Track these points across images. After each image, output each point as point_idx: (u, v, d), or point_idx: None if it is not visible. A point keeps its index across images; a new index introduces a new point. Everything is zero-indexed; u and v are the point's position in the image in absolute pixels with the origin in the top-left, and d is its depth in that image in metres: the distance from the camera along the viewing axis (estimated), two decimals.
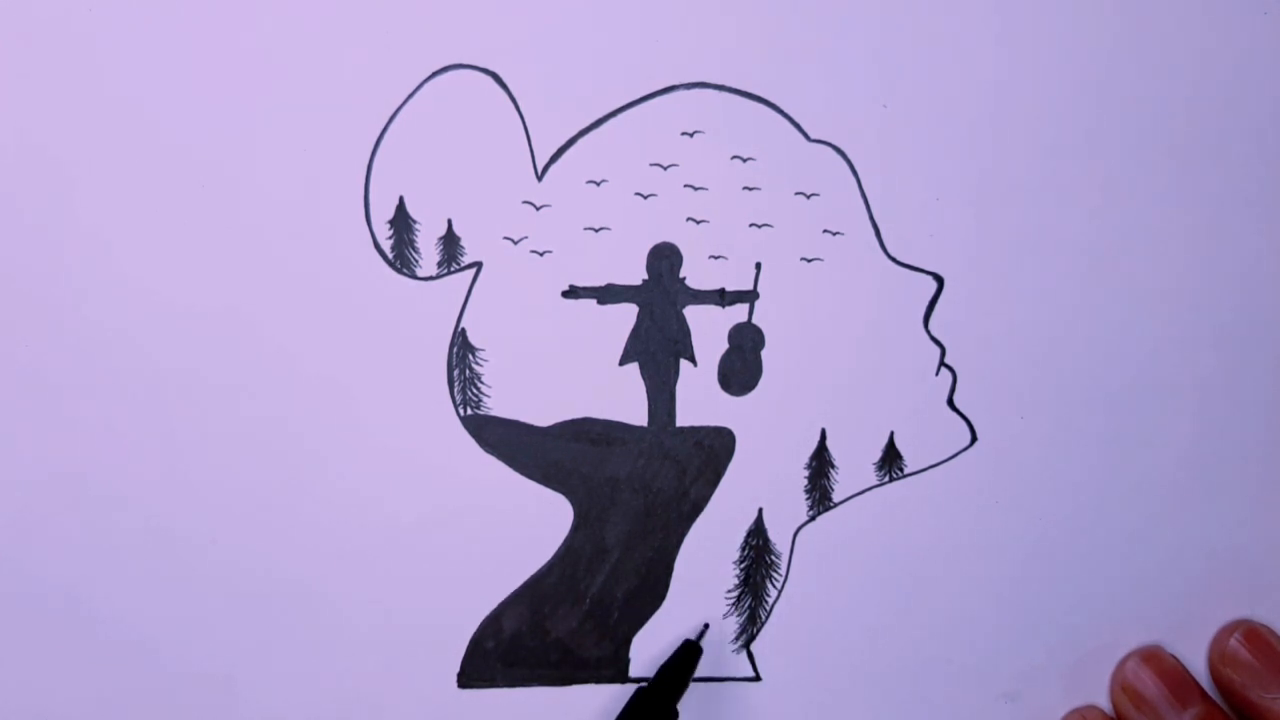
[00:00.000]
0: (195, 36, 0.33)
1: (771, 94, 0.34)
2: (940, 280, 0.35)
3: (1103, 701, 0.36)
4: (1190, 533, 0.36)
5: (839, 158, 0.35)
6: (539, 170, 0.34)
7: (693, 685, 0.35)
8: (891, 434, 0.35)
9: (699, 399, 0.35)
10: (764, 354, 0.35)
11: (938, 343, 0.35)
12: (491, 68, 0.34)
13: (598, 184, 0.34)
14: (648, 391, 0.35)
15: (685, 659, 0.34)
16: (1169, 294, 0.36)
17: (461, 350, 0.34)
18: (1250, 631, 0.35)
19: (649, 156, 0.34)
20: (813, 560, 0.36)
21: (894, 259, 0.35)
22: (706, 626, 0.35)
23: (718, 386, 0.35)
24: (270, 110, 0.33)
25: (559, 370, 0.35)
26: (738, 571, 0.36)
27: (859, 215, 0.35)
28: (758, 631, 0.36)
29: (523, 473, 0.35)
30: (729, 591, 0.36)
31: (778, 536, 0.36)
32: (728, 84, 0.34)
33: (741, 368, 0.35)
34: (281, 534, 0.34)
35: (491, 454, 0.35)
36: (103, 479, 0.34)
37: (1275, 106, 0.35)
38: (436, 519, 0.35)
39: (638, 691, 0.34)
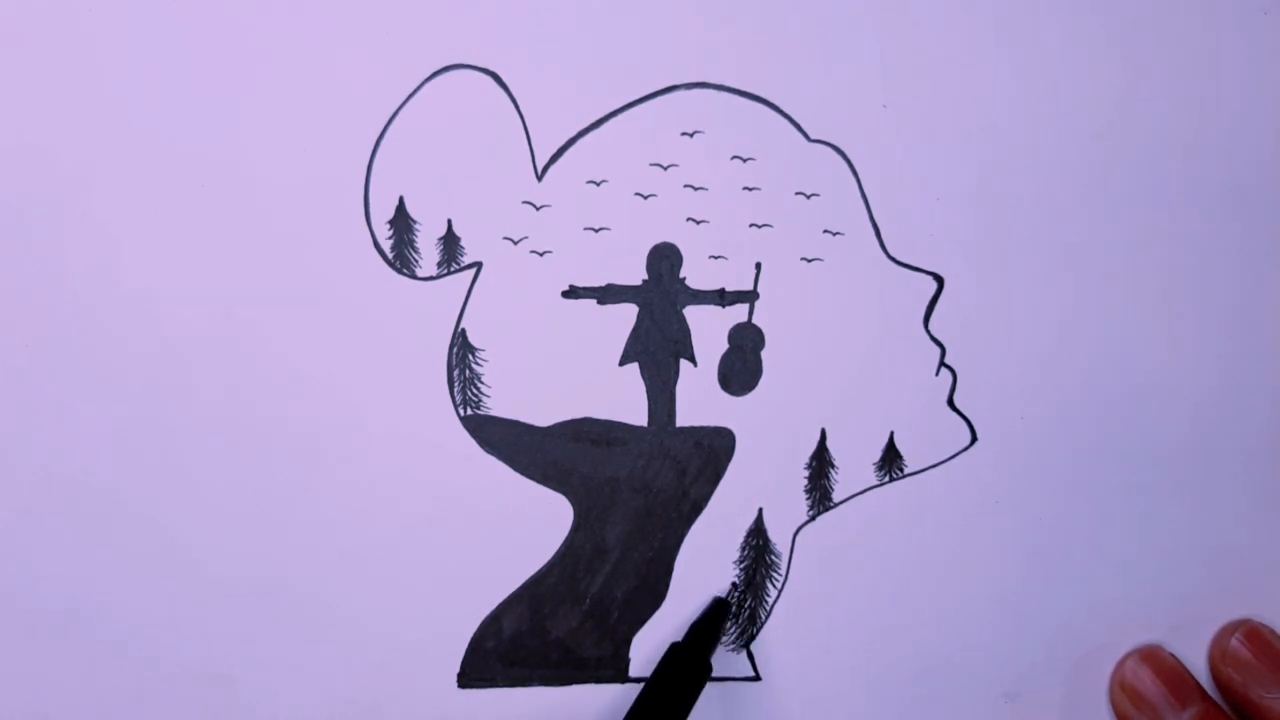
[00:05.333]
0: (195, 36, 0.33)
1: (771, 94, 0.34)
2: (940, 280, 0.35)
3: (1102, 702, 0.36)
4: (1190, 533, 0.36)
5: (839, 158, 0.35)
6: (539, 170, 0.34)
7: None
8: (891, 434, 0.35)
9: (699, 399, 0.35)
10: (764, 354, 0.35)
11: (938, 343, 0.35)
12: (491, 68, 0.34)
13: (598, 184, 0.34)
14: (648, 391, 0.35)
15: (716, 614, 0.35)
16: (1169, 294, 0.36)
17: (461, 350, 0.34)
18: (1251, 631, 0.35)
19: (649, 156, 0.34)
20: (813, 560, 0.36)
21: (894, 259, 0.35)
22: (735, 585, 0.35)
23: (718, 386, 0.35)
24: (270, 110, 0.33)
25: (559, 370, 0.35)
26: (738, 571, 0.36)
27: (859, 215, 0.35)
28: (758, 631, 0.36)
29: (523, 473, 0.35)
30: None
31: (778, 536, 0.36)
32: (728, 84, 0.34)
33: (741, 368, 0.35)
34: (282, 534, 0.34)
35: (491, 454, 0.35)
36: (103, 479, 0.34)
37: (1275, 106, 0.35)
38: (436, 519, 0.35)
39: (672, 647, 0.34)
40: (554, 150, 0.34)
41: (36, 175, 0.33)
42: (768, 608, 0.36)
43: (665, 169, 0.34)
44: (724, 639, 0.36)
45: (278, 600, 0.34)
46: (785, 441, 0.35)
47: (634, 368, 0.35)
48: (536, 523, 0.35)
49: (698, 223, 0.35)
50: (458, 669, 0.35)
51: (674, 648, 0.34)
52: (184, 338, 0.34)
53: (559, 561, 0.35)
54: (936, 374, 0.35)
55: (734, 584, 0.35)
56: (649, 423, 0.35)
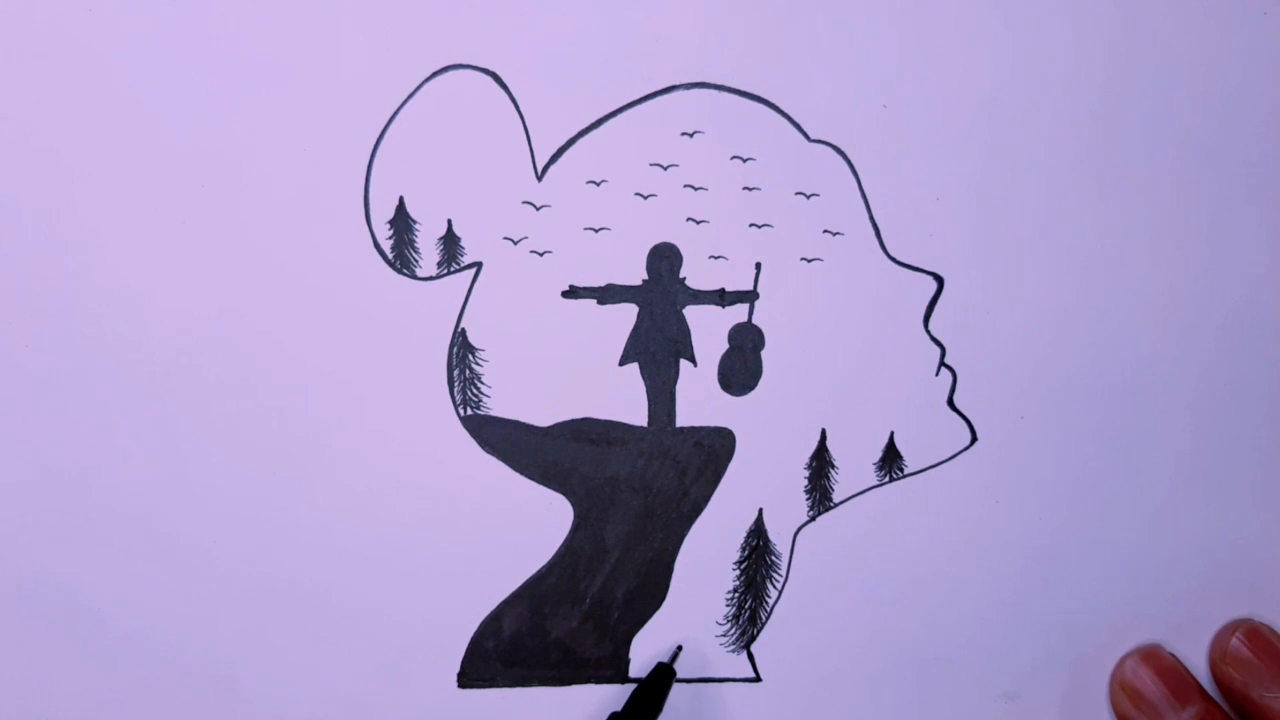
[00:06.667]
0: (195, 36, 0.33)
1: (771, 94, 0.34)
2: (940, 280, 0.35)
3: (1102, 702, 0.36)
4: (1190, 533, 0.36)
5: (839, 158, 0.35)
6: (539, 170, 0.34)
7: (693, 685, 0.35)
8: (891, 434, 0.35)
9: (699, 399, 0.35)
10: (764, 354, 0.35)
11: (938, 343, 0.35)
12: (491, 68, 0.34)
13: (598, 184, 0.34)
14: (648, 391, 0.35)
15: (658, 681, 0.35)
16: (1169, 294, 0.36)
17: (461, 350, 0.34)
18: (1251, 630, 0.35)
19: (649, 156, 0.34)
20: (813, 560, 0.36)
21: (894, 259, 0.35)
22: (680, 649, 0.35)
23: (718, 386, 0.35)
24: (270, 110, 0.33)
25: (559, 370, 0.35)
26: (738, 572, 0.36)
27: (859, 215, 0.35)
28: (758, 632, 0.36)
29: (523, 473, 0.35)
30: (729, 592, 0.36)
31: (778, 536, 0.36)
32: (728, 84, 0.34)
33: (741, 368, 0.35)
34: (282, 534, 0.34)
35: (491, 454, 0.35)
36: (103, 479, 0.34)
37: (1275, 106, 0.35)
38: (436, 519, 0.35)
39: (611, 716, 0.34)
40: (554, 150, 0.34)
41: (37, 175, 0.33)
42: (768, 608, 0.36)
43: (665, 169, 0.34)
44: (724, 640, 0.36)
45: (278, 600, 0.34)
46: (785, 441, 0.35)
47: (634, 368, 0.35)
48: (536, 523, 0.35)
49: (698, 223, 0.35)
50: (458, 669, 0.35)
51: (613, 717, 0.34)
52: (184, 337, 0.34)
53: (559, 561, 0.35)
54: (936, 374, 0.35)
55: (679, 647, 0.35)
56: (649, 423, 0.35)
